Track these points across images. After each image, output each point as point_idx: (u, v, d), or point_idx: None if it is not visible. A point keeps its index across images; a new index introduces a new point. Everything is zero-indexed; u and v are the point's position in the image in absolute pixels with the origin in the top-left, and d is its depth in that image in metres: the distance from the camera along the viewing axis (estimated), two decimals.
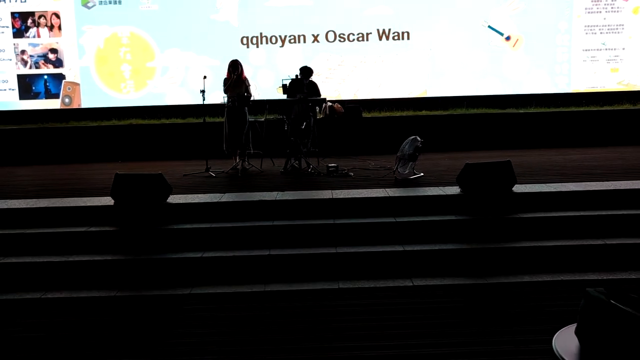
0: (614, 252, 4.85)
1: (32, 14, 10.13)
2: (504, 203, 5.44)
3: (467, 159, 5.93)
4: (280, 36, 10.18)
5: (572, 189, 5.60)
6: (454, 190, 5.67)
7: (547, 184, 5.82)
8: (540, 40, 10.16)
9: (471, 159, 6.09)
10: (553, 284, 4.51)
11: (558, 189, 5.61)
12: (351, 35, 10.17)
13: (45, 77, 10.22)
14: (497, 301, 4.27)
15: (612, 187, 5.64)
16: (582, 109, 9.71)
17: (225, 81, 7.38)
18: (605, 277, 4.56)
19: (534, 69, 10.21)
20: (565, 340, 1.74)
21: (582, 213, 5.26)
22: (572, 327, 1.80)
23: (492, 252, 4.89)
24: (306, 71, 7.68)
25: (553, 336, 1.83)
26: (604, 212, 5.26)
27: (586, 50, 10.20)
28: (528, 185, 5.76)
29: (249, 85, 7.52)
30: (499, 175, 5.55)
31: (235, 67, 7.33)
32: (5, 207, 5.58)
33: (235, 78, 7.30)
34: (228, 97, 7.31)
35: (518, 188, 5.60)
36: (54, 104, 10.25)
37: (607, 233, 5.06)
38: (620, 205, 5.39)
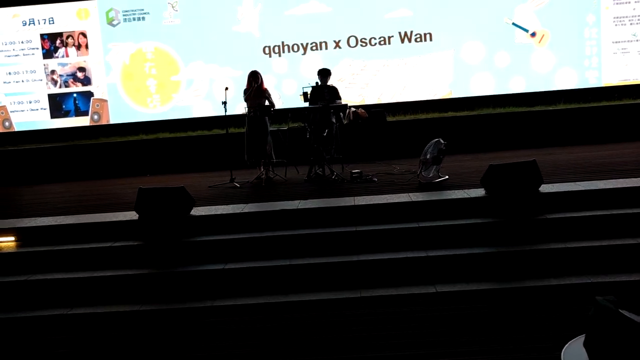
0: None
1: (60, 34, 10.40)
2: (531, 204, 5.29)
3: (494, 160, 5.80)
4: (301, 44, 10.19)
5: (601, 187, 5.42)
6: (479, 192, 5.55)
7: (576, 183, 5.64)
8: (568, 35, 9.90)
9: (498, 159, 5.97)
10: (582, 286, 4.35)
11: (587, 188, 5.43)
12: (373, 40, 10.11)
13: (75, 95, 10.47)
14: (523, 306, 4.15)
15: None
16: (614, 103, 9.41)
17: (245, 91, 7.42)
18: (638, 278, 4.37)
19: (562, 64, 9.95)
20: (574, 353, 1.65)
21: (613, 212, 5.07)
22: (582, 338, 1.71)
23: (518, 255, 4.76)
24: (324, 73, 7.65)
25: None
26: (636, 210, 5.06)
27: (616, 42, 9.89)
28: (555, 185, 5.60)
29: (270, 95, 7.53)
30: (524, 176, 5.41)
31: (255, 78, 7.36)
32: (34, 224, 5.70)
33: (256, 88, 7.33)
34: (248, 107, 7.35)
35: (545, 188, 5.44)
36: (83, 121, 10.49)
37: None
38: None
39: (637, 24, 9.82)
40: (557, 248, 4.78)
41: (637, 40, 9.84)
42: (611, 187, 5.41)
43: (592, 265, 4.62)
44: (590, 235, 4.89)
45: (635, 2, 9.78)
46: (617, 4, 9.82)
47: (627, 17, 9.83)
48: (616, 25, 9.86)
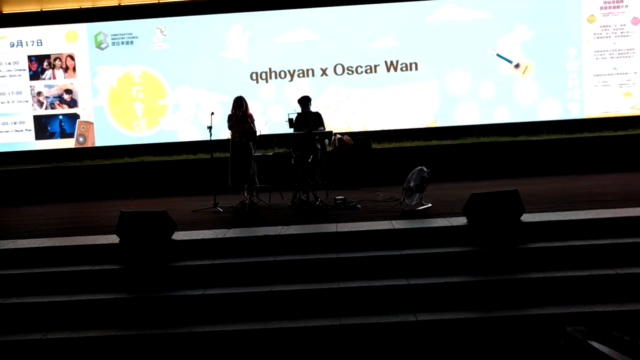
0: (626, 282, 4.69)
1: (48, 56, 10.42)
2: (512, 233, 5.33)
3: (477, 188, 5.84)
4: (289, 71, 10.29)
5: (582, 217, 5.48)
6: (461, 221, 5.58)
7: (556, 213, 5.70)
8: (550, 67, 10.11)
9: (481, 188, 6.01)
10: (562, 316, 4.36)
11: (568, 218, 5.48)
12: (359, 68, 10.24)
13: (61, 117, 10.44)
14: (502, 336, 4.14)
15: (624, 214, 5.49)
16: (595, 134, 9.57)
17: (230, 117, 7.44)
18: (616, 309, 4.40)
19: (545, 95, 10.14)
20: None
21: (592, 242, 5.12)
22: None
23: (498, 284, 4.77)
24: (304, 100, 7.73)
25: None
26: (615, 241, 5.11)
27: (597, 75, 10.11)
28: (537, 215, 5.65)
29: (254, 121, 7.56)
30: (505, 205, 5.45)
31: (239, 104, 7.40)
32: (13, 247, 5.63)
33: (240, 115, 7.37)
34: (233, 133, 7.37)
35: (526, 217, 5.48)
36: (68, 143, 10.45)
37: (619, 262, 4.90)
38: (632, 233, 5.23)
39: (617, 57, 10.06)
40: (538, 277, 4.79)
41: (617, 74, 10.06)
42: (591, 217, 5.47)
43: (572, 294, 4.64)
44: (570, 265, 4.92)
45: (616, 36, 10.03)
46: (598, 38, 10.07)
47: (607, 51, 10.07)
48: (597, 58, 10.09)
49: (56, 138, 10.47)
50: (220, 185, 7.72)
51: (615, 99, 10.09)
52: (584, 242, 5.13)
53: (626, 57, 10.06)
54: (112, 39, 10.37)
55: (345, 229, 5.50)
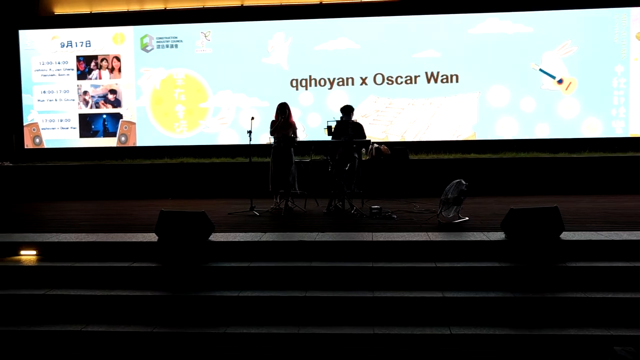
0: None
1: (95, 57, 10.72)
2: (551, 251, 5.23)
3: (515, 204, 5.76)
4: (328, 79, 10.35)
5: (624, 238, 5.34)
6: (499, 236, 5.51)
7: (598, 232, 5.57)
8: (595, 84, 9.92)
9: (519, 204, 5.93)
10: (603, 338, 4.26)
11: (609, 238, 5.35)
12: (399, 78, 10.23)
13: (104, 116, 10.72)
14: (540, 355, 4.07)
15: None
16: None
17: (272, 123, 7.50)
18: None
19: (588, 112, 9.95)
20: None
21: (636, 264, 4.98)
22: None
23: (536, 302, 4.69)
24: (347, 110, 7.73)
25: None
26: None
27: None
28: (577, 233, 5.53)
29: (296, 128, 7.60)
30: (545, 222, 5.35)
31: (283, 110, 7.44)
32: (57, 240, 5.79)
33: (283, 121, 7.42)
34: (275, 138, 7.43)
35: (566, 235, 5.38)
36: (111, 142, 10.71)
37: None
38: None
39: None
40: (577, 297, 4.69)
41: None
42: (635, 238, 5.33)
43: (613, 317, 4.53)
44: (612, 286, 4.81)
45: None
46: None
47: None
48: None
49: (99, 136, 10.75)
50: (257, 189, 7.79)
51: None
52: (627, 263, 5.00)
53: None
54: (157, 42, 10.61)
55: (381, 239, 5.49)
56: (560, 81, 9.98)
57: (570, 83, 9.96)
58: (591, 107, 9.94)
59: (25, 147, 10.86)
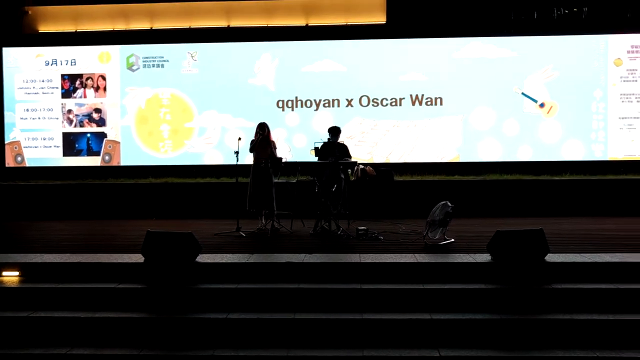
0: None
1: (80, 75, 10.68)
2: (536, 273, 5.30)
3: (499, 226, 5.83)
4: (315, 100, 10.44)
5: (607, 260, 5.43)
6: (485, 257, 5.56)
7: (582, 254, 5.66)
8: (575, 108, 10.14)
9: (503, 226, 6.00)
10: None
11: (593, 260, 5.44)
12: (384, 100, 10.35)
13: (89, 135, 10.65)
14: None
15: None
16: (619, 177, 9.53)
17: (252, 142, 7.58)
18: None
19: (569, 136, 10.15)
20: None
21: (618, 286, 5.06)
22: None
23: (523, 324, 4.73)
24: (334, 131, 7.81)
25: None
26: None
27: (623, 118, 10.12)
28: (562, 255, 5.61)
29: (276, 148, 7.66)
30: (530, 244, 5.43)
31: (262, 128, 7.53)
32: (40, 260, 5.71)
33: (261, 139, 7.48)
34: (255, 158, 7.49)
35: (551, 257, 5.45)
36: (94, 161, 10.63)
37: None
38: None
39: None
40: (563, 319, 4.75)
41: None
42: (617, 260, 5.42)
43: (598, 339, 4.58)
44: (596, 308, 4.87)
45: None
46: (624, 81, 10.10)
47: (634, 94, 10.09)
48: (623, 101, 10.10)
49: (83, 155, 10.67)
50: (243, 210, 7.77)
51: None
52: (610, 285, 5.08)
53: None
54: (144, 61, 10.61)
55: (369, 260, 5.51)
56: (542, 105, 10.18)
57: (551, 107, 10.17)
58: (572, 130, 10.14)
59: (7, 165, 10.72)
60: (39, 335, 4.77)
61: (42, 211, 9.36)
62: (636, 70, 10.08)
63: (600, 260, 5.42)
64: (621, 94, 10.10)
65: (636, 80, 10.08)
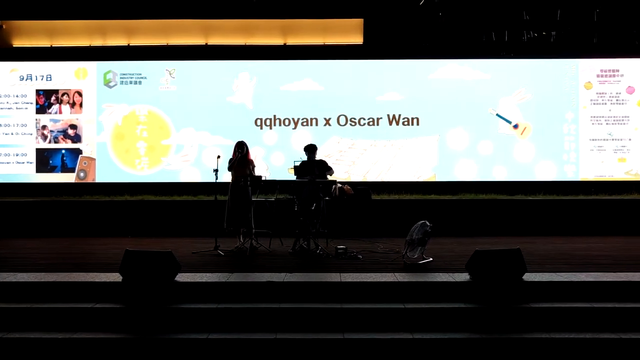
0: (629, 347, 4.73)
1: (56, 91, 10.55)
2: (514, 292, 5.38)
3: (475, 245, 5.92)
4: (293, 119, 10.48)
5: (583, 279, 5.55)
6: (464, 277, 5.63)
7: (558, 274, 5.77)
8: (548, 129, 10.38)
9: (480, 245, 6.09)
10: None
11: (569, 279, 5.55)
12: (362, 120, 10.45)
13: (63, 151, 10.50)
14: None
15: (624, 279, 5.57)
16: (590, 197, 9.77)
17: (230, 160, 7.58)
18: None
19: (542, 157, 10.37)
20: None
21: (594, 305, 5.17)
22: None
23: (502, 343, 4.79)
24: (311, 149, 7.86)
25: None
26: (617, 305, 5.17)
27: (593, 139, 10.39)
28: (538, 274, 5.71)
29: (254, 166, 7.67)
30: (508, 263, 5.51)
31: (241, 147, 7.54)
32: (14, 280, 5.58)
33: (240, 157, 7.49)
34: (234, 176, 7.48)
35: (528, 277, 5.54)
36: (69, 177, 10.46)
37: (621, 327, 4.96)
38: (633, 297, 5.31)
39: (612, 124, 10.37)
40: (541, 338, 4.82)
41: (612, 140, 10.35)
42: (592, 280, 5.54)
43: (575, 357, 4.66)
44: (573, 327, 4.97)
45: (612, 103, 10.37)
46: (594, 104, 10.40)
47: (603, 117, 10.38)
48: (593, 124, 10.39)
49: (57, 172, 10.49)
50: (221, 228, 7.73)
51: (610, 163, 10.34)
52: (586, 304, 5.19)
53: (621, 123, 10.37)
54: (121, 78, 10.54)
55: (349, 279, 5.53)
56: (515, 126, 10.40)
57: (525, 128, 10.40)
58: (545, 151, 10.37)
59: None
60: (13, 357, 4.64)
61: (15, 229, 9.14)
62: (605, 93, 10.40)
63: (576, 280, 5.54)
64: (591, 117, 10.40)
65: (605, 103, 10.39)
